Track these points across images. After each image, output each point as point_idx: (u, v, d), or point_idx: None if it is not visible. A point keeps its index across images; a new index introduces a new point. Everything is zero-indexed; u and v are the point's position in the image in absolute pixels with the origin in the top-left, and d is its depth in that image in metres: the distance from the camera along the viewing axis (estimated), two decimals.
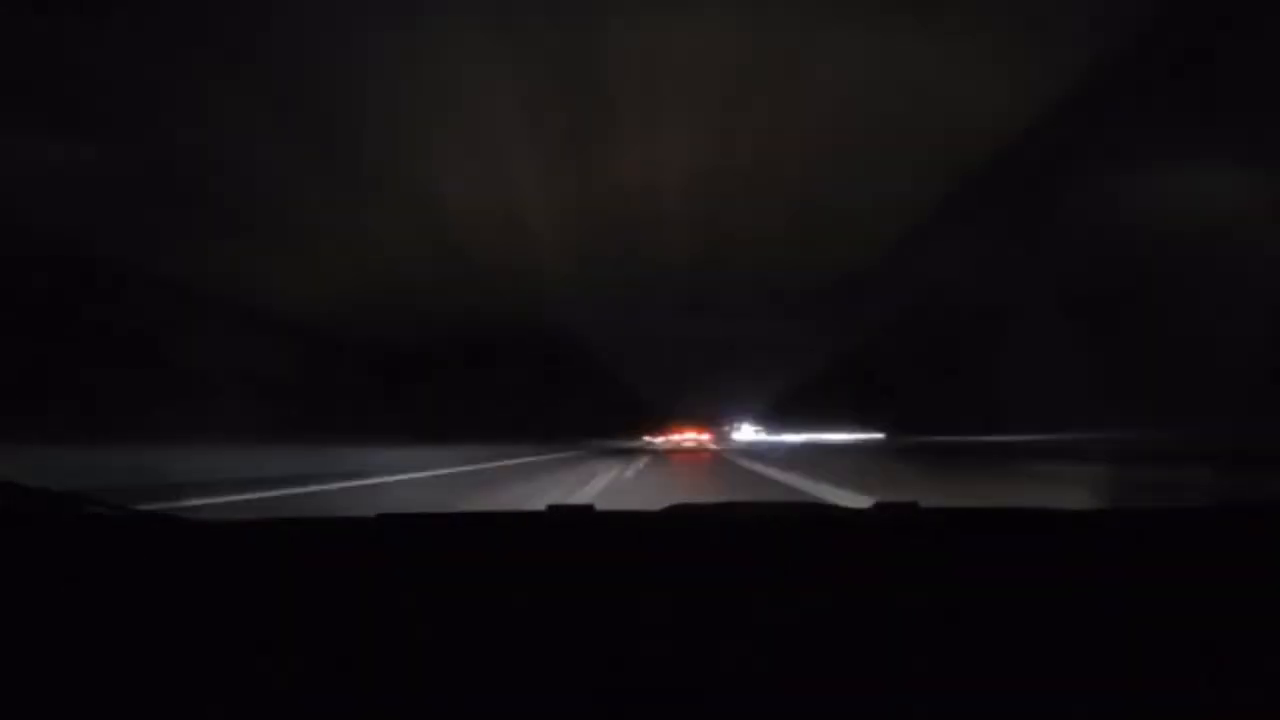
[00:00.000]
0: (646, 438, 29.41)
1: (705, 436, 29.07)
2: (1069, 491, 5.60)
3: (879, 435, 21.43)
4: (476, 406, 13.88)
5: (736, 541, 1.09)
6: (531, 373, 16.79)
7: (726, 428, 31.71)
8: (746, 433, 31.02)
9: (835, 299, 11.34)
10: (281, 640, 0.75)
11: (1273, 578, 0.88)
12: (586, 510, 1.22)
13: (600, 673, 0.69)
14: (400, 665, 0.70)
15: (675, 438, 28.45)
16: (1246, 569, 0.91)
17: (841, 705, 0.64)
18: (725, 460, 15.29)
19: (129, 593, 0.84)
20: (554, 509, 1.24)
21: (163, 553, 0.97)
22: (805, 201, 7.25)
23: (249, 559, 0.98)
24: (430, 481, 7.66)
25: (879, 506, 1.25)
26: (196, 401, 6.64)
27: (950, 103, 5.15)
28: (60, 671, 0.68)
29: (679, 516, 1.23)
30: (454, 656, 0.72)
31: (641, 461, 13.83)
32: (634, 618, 0.80)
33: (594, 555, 1.01)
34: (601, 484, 8.05)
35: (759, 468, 11.52)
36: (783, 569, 0.94)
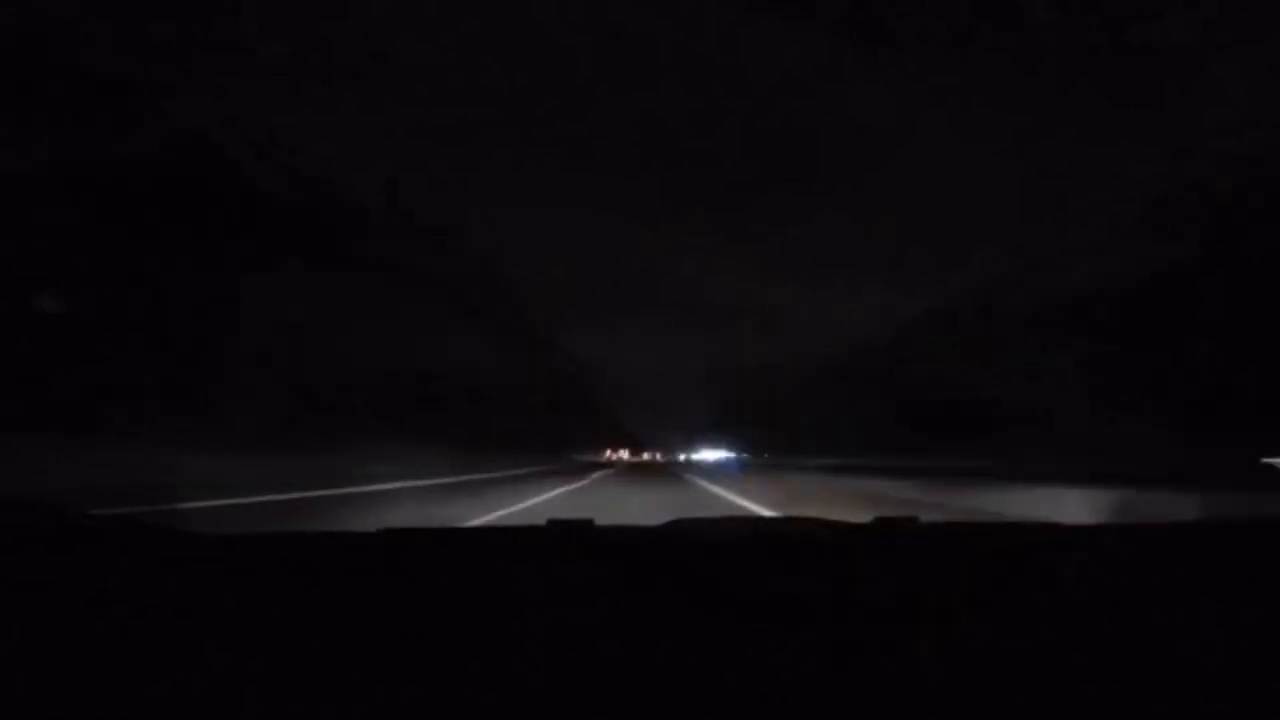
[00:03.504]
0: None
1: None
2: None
3: None
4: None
5: (738, 556, 1.08)
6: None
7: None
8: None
9: None
10: (280, 655, 0.74)
11: (1268, 590, 0.89)
12: (587, 525, 1.21)
13: (602, 685, 0.68)
14: (401, 681, 0.69)
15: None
16: (1241, 582, 0.91)
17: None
18: None
19: (123, 606, 0.82)
20: (554, 523, 1.23)
21: (158, 566, 0.95)
22: None
23: (248, 572, 0.96)
24: None
25: (880, 521, 1.25)
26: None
27: None
28: (53, 684, 0.67)
29: (680, 531, 1.22)
30: (456, 671, 0.71)
31: None
32: (635, 631, 0.79)
33: (595, 570, 1.00)
34: None
35: None
36: (784, 583, 0.94)
